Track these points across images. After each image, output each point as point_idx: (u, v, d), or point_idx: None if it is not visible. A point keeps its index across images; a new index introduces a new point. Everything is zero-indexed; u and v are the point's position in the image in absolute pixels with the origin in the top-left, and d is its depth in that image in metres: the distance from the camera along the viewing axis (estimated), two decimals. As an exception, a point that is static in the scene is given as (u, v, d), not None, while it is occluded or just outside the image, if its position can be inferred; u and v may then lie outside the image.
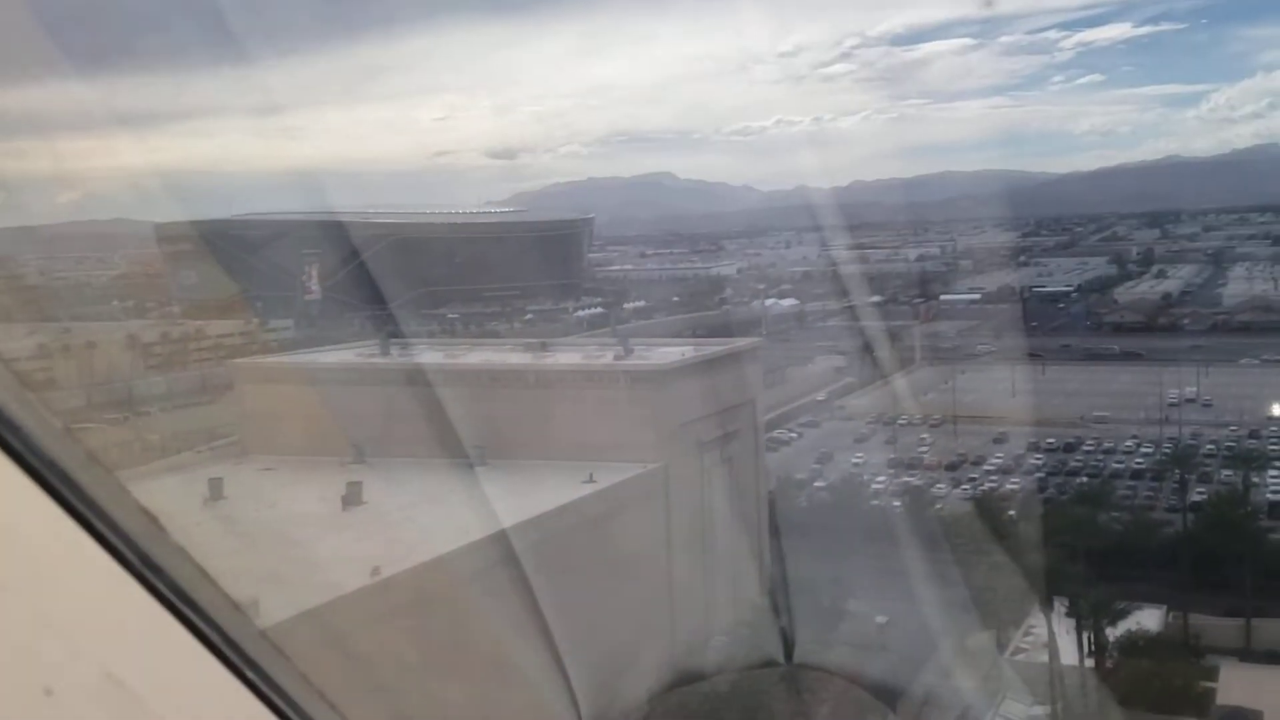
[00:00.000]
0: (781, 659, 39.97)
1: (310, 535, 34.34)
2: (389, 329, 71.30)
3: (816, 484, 74.40)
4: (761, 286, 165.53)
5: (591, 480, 40.76)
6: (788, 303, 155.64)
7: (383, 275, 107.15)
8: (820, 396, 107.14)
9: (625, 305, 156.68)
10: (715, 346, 55.47)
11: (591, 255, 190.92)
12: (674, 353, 51.46)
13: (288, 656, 2.77)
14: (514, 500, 37.45)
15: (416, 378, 49.47)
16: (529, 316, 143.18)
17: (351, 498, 38.89)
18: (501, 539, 35.35)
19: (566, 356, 54.29)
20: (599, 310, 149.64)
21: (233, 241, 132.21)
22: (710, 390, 48.80)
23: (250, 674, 2.64)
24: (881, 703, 39.03)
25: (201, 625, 2.57)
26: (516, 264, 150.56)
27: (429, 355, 56.86)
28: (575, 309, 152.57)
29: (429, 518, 38.04)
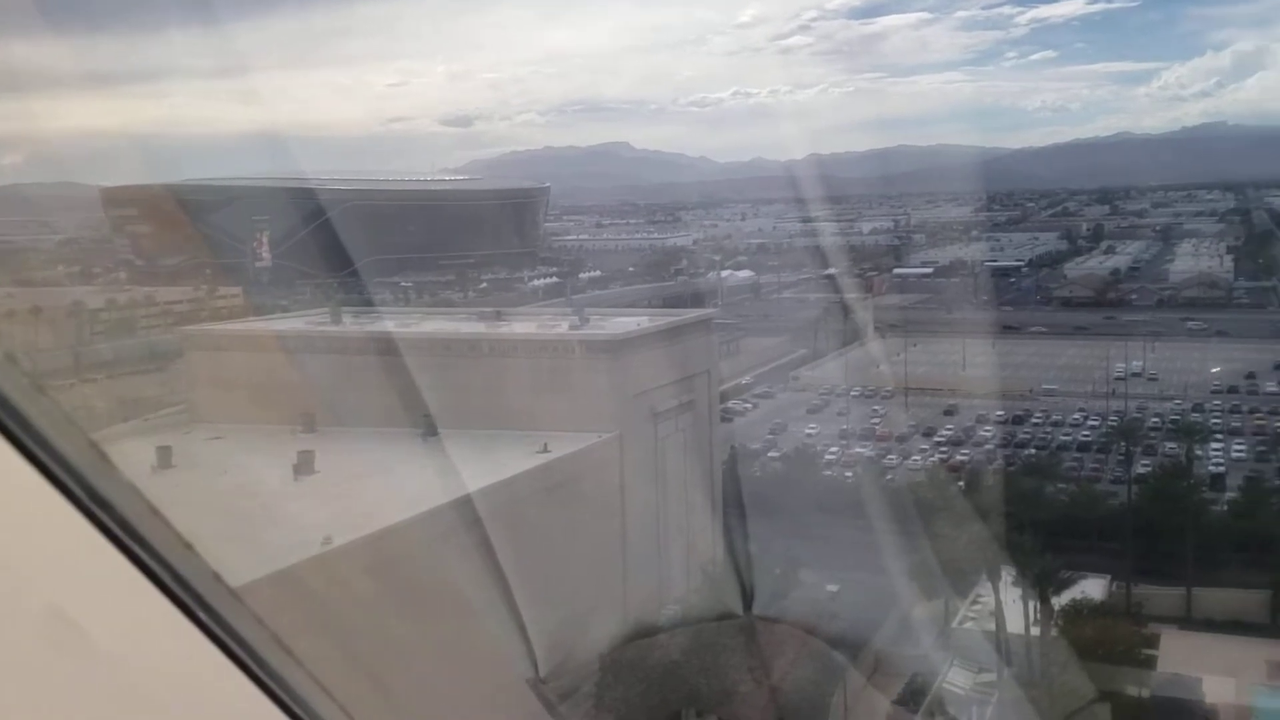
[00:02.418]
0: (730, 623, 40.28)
1: (260, 505, 33.98)
2: (341, 297, 70.62)
3: (770, 454, 74.86)
4: (718, 258, 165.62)
5: (546, 450, 40.70)
6: (744, 274, 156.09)
7: (335, 242, 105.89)
8: (774, 368, 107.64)
9: (581, 275, 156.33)
10: (671, 317, 55.41)
11: (547, 224, 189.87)
12: (629, 323, 51.42)
13: (239, 597, 2.72)
14: (467, 470, 37.29)
15: (369, 346, 49.06)
16: (484, 285, 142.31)
17: (303, 466, 38.53)
18: (455, 509, 35.24)
19: (521, 326, 54.05)
20: (554, 280, 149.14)
21: (183, 206, 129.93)
22: (665, 361, 48.83)
23: (201, 614, 2.59)
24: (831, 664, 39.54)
25: (152, 564, 2.51)
26: (471, 232, 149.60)
27: (382, 324, 56.31)
28: (530, 278, 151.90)
29: (381, 487, 37.81)
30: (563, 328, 50.96)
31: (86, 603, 2.40)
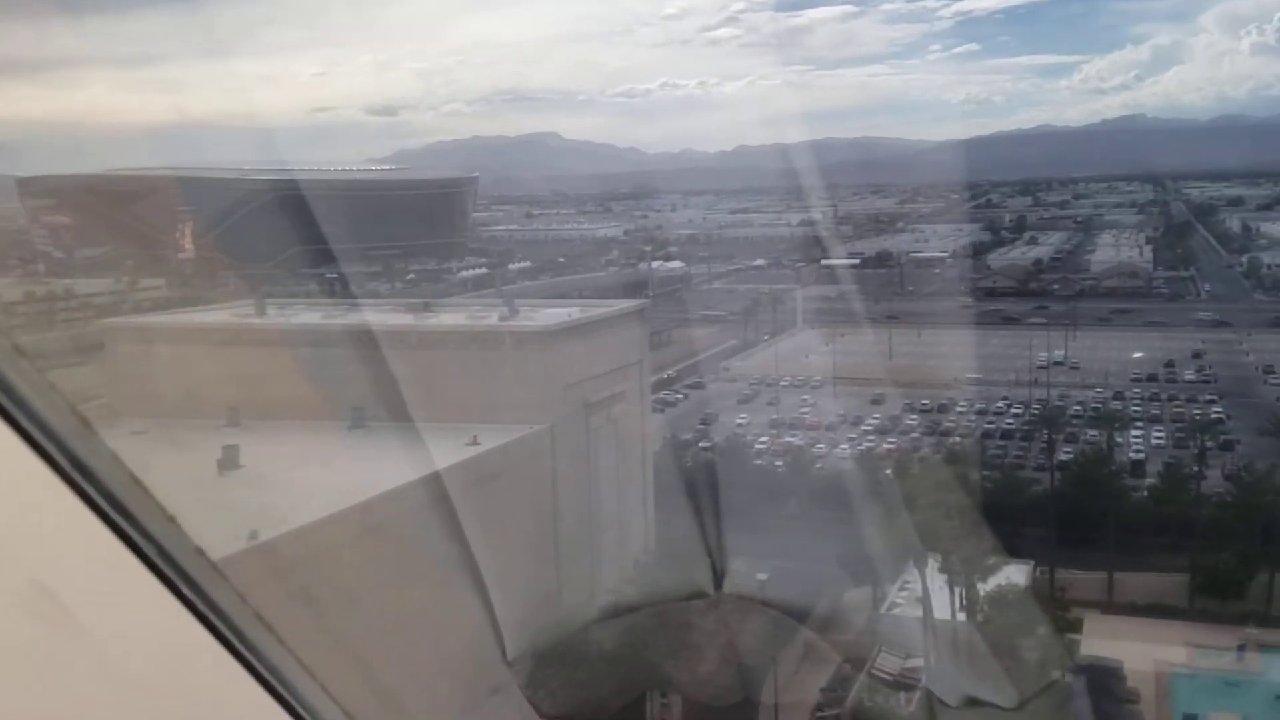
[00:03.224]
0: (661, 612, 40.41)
1: (183, 501, 33.06)
2: (265, 289, 69.35)
3: (701, 445, 75.10)
4: (648, 248, 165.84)
5: (475, 442, 40.33)
6: (674, 265, 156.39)
7: (259, 234, 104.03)
8: (705, 358, 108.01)
9: (510, 266, 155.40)
10: (601, 308, 55.28)
11: (476, 215, 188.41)
12: (560, 314, 51.16)
13: (221, 571, 2.69)
14: (396, 463, 36.83)
15: (295, 339, 48.25)
16: (411, 277, 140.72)
17: (228, 461, 37.74)
18: (384, 502, 34.80)
19: (450, 317, 53.50)
20: (483, 271, 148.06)
21: (102, 197, 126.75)
22: (596, 352, 48.69)
23: (183, 587, 2.56)
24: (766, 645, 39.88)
25: (134, 535, 2.48)
26: (398, 223, 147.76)
27: (307, 316, 55.39)
28: (459, 269, 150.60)
29: (309, 481, 37.14)
30: (492, 319, 50.53)
31: (67, 572, 2.39)
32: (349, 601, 29.72)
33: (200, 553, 2.66)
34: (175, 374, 44.66)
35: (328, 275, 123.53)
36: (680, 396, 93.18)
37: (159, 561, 2.53)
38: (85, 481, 2.39)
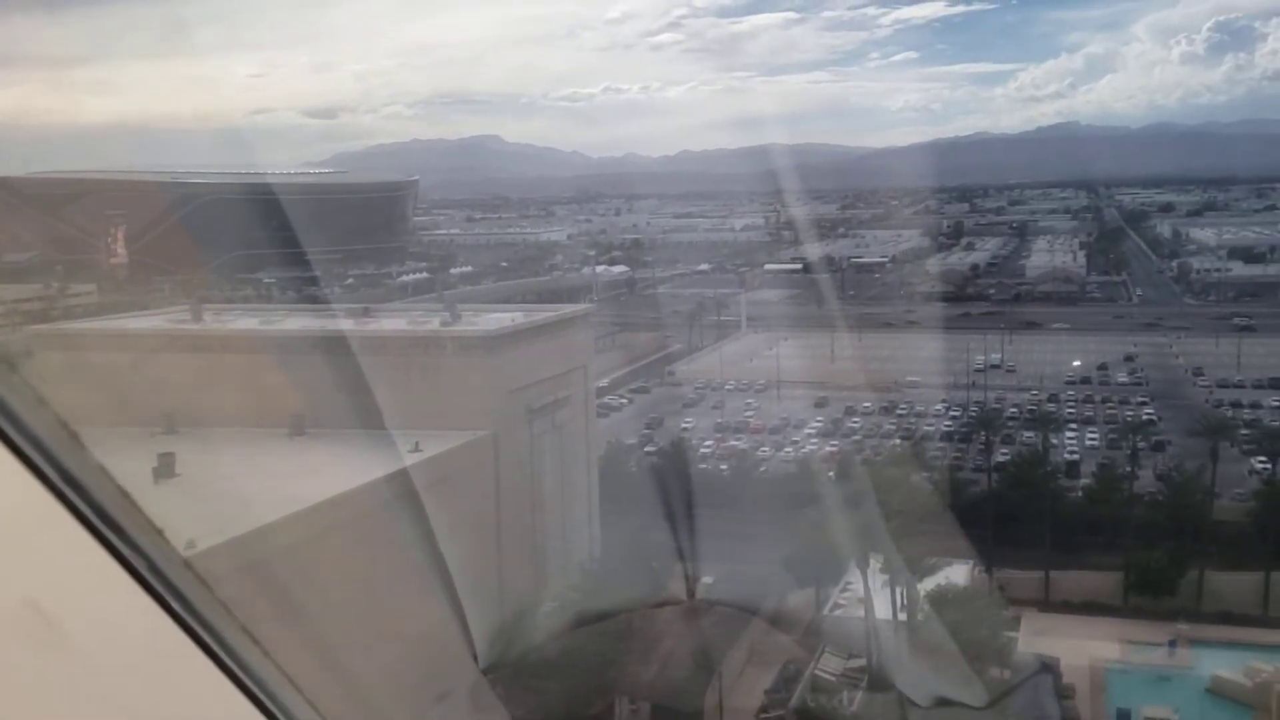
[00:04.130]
0: (608, 615, 40.37)
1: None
2: (201, 294, 68.24)
3: (646, 449, 75.19)
4: (592, 253, 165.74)
5: (418, 449, 39.98)
6: (618, 269, 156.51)
7: (194, 238, 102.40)
8: (650, 362, 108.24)
9: (452, 270, 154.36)
10: (545, 313, 55.18)
11: (416, 219, 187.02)
12: (503, 319, 50.93)
13: (209, 585, 2.72)
14: (336, 471, 36.44)
15: (232, 344, 47.53)
16: (350, 281, 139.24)
17: (163, 470, 36.99)
18: (325, 509, 34.39)
19: (390, 322, 53.01)
20: (424, 275, 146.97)
21: (30, 201, 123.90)
22: (540, 357, 48.55)
23: (171, 600, 2.58)
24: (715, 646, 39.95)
25: (121, 547, 2.50)
26: (337, 227, 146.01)
27: (245, 321, 54.60)
28: (399, 274, 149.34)
29: (248, 488, 36.55)
30: (434, 324, 50.15)
31: (55, 584, 2.40)
32: (289, 612, 29.33)
33: (187, 565, 2.68)
34: (108, 381, 43.70)
35: (265, 280, 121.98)
36: (625, 401, 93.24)
37: (146, 574, 2.55)
38: (73, 493, 2.40)
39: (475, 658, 35.19)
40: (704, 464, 73.20)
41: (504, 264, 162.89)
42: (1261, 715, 41.33)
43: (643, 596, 43.43)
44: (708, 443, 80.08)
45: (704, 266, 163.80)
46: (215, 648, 2.67)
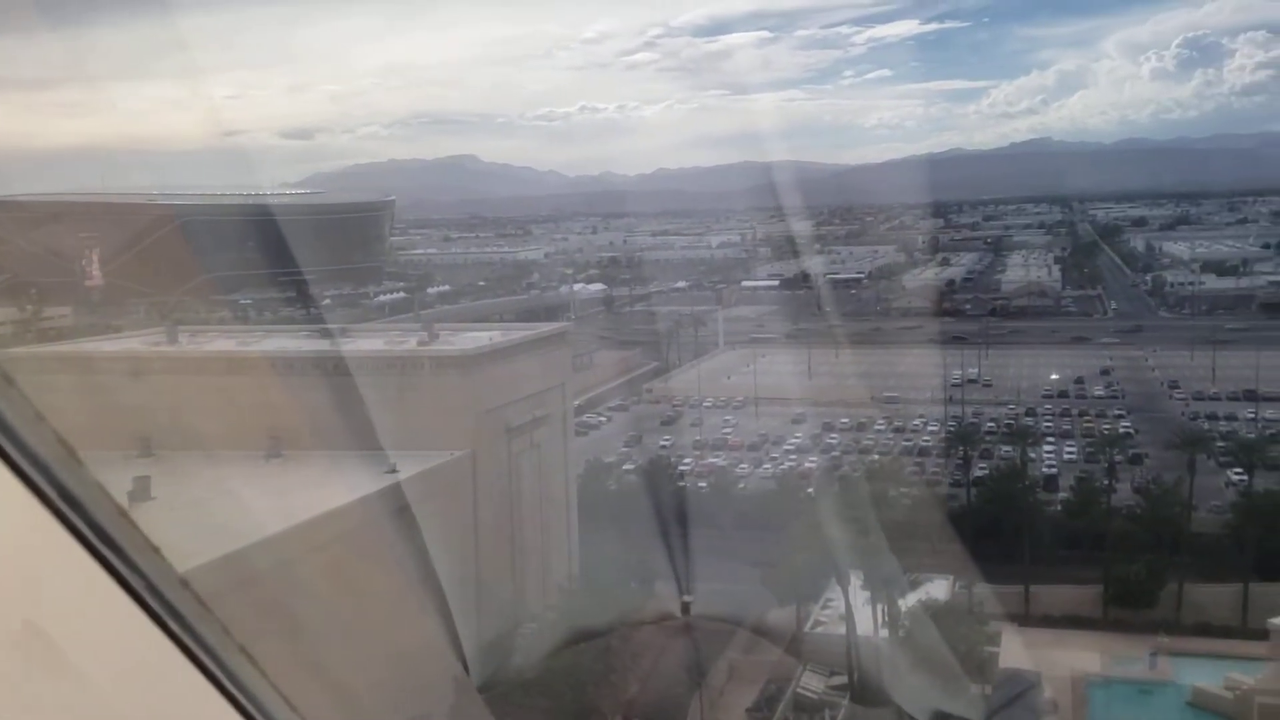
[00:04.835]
0: (588, 637, 40.15)
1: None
2: (177, 316, 67.78)
3: (625, 467, 75.03)
4: (569, 271, 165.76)
5: (395, 470, 39.69)
6: (595, 287, 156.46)
7: (170, 260, 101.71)
8: (628, 380, 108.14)
9: (429, 290, 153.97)
10: (522, 331, 54.98)
11: (393, 238, 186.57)
12: (480, 338, 50.74)
13: (207, 605, 2.71)
14: (313, 493, 36.12)
15: (208, 366, 47.15)
16: (327, 302, 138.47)
17: (138, 493, 36.55)
18: (302, 532, 34.07)
19: (367, 343, 52.73)
20: (401, 295, 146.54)
21: (5, 223, 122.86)
22: (518, 376, 48.37)
23: (168, 619, 2.58)
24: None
25: (119, 566, 2.49)
26: (314, 248, 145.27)
27: (221, 343, 54.18)
28: (376, 294, 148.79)
29: (224, 512, 36.16)
30: (411, 344, 49.91)
31: (54, 603, 2.41)
32: (267, 636, 28.98)
33: (184, 584, 2.67)
34: (83, 405, 43.17)
35: (242, 301, 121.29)
36: (604, 419, 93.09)
37: (143, 593, 2.54)
38: (71, 512, 2.41)
39: (456, 681, 34.91)
40: (683, 481, 73.12)
41: (481, 283, 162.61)
42: (1242, 727, 41.45)
43: (623, 616, 43.22)
44: (686, 460, 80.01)
45: (681, 284, 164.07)
46: (212, 667, 2.66)
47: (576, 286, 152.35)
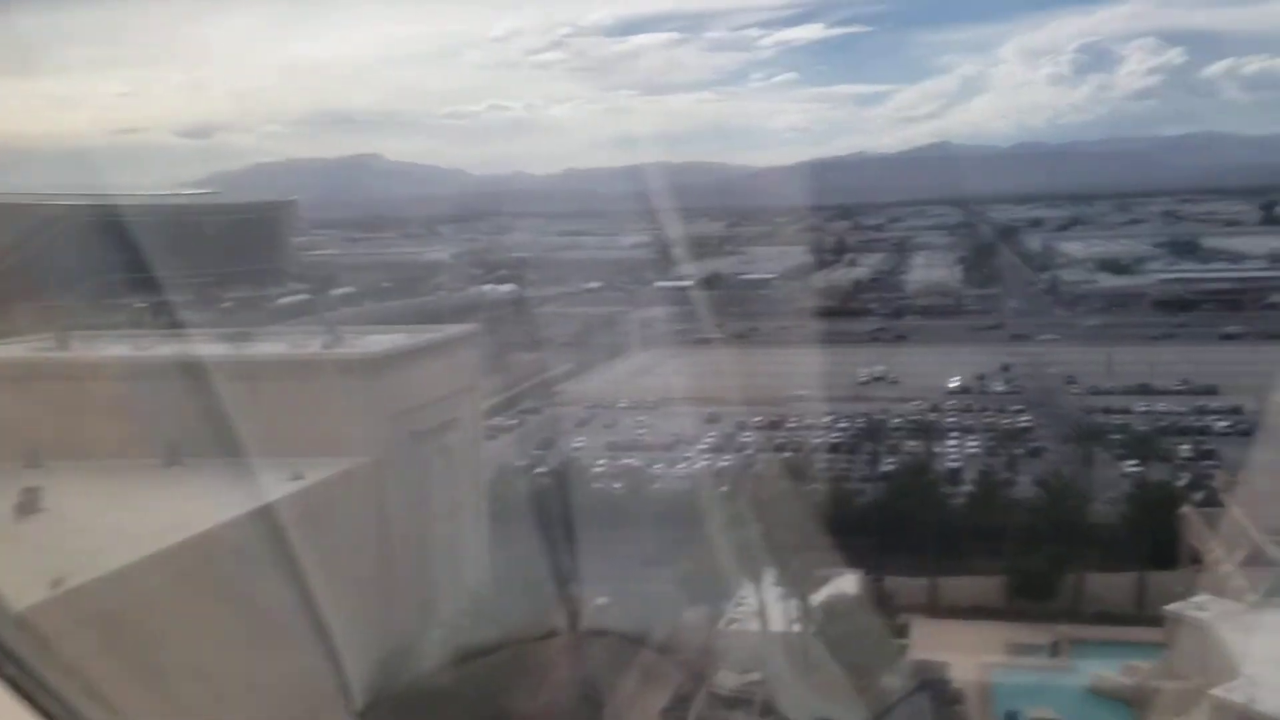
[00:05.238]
0: (499, 645, 39.64)
1: (-27, 550, 30.67)
2: (68, 320, 65.37)
3: (538, 470, 74.51)
4: (478, 272, 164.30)
5: (298, 477, 38.75)
6: (505, 288, 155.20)
7: (60, 262, 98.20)
8: (540, 382, 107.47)
9: (333, 292, 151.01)
10: (430, 334, 54.04)
11: (296, 239, 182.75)
12: (386, 340, 49.76)
13: (45, 644, 2.26)
14: (213, 501, 35.05)
15: (101, 372, 45.55)
16: (227, 305, 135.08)
17: (27, 505, 35.13)
18: (201, 542, 33.04)
19: (270, 346, 51.36)
20: (305, 297, 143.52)
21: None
22: (426, 379, 47.62)
23: (7, 666, 2.15)
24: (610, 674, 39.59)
25: None
26: (212, 249, 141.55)
27: (115, 348, 52.32)
28: (278, 296, 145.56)
29: (119, 522, 34.94)
30: (315, 347, 48.77)
31: None
32: (162, 651, 28.01)
33: (21, 624, 2.35)
34: (-36, 415, 41.44)
35: (138, 305, 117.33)
36: (515, 422, 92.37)
37: None
38: None
39: (355, 697, 34.12)
40: (597, 483, 72.90)
41: (387, 284, 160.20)
42: (1140, 713, 42.61)
43: (536, 624, 42.81)
44: (600, 461, 79.81)
45: (593, 284, 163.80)
46: (57, 712, 2.35)
47: (486, 288, 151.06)
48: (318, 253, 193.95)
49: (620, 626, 45.79)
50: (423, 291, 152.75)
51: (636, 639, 45.04)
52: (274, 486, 37.44)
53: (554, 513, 52.41)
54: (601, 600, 48.84)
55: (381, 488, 42.72)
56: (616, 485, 72.68)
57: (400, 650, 39.74)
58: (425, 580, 45.07)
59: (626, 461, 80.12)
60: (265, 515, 35.85)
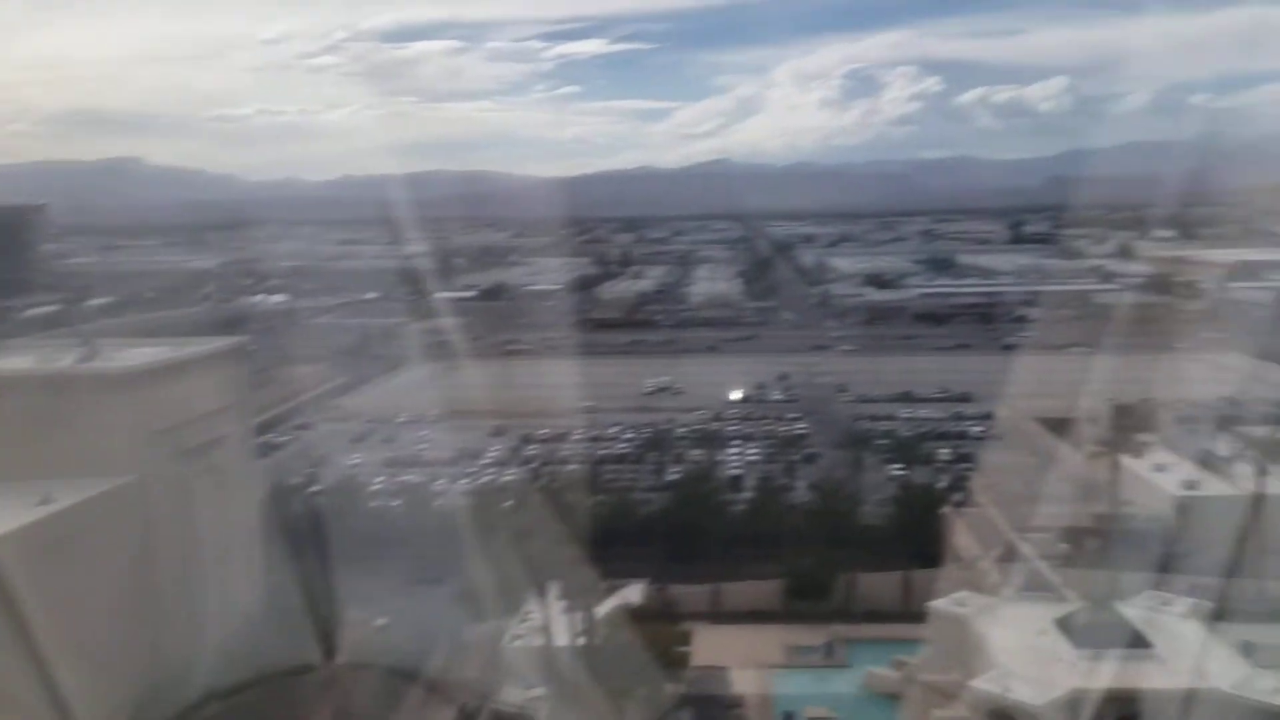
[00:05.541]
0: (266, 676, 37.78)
1: None
2: None
3: (312, 488, 71.63)
4: (248, 282, 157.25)
5: (48, 501, 35.73)
6: (277, 299, 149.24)
7: None
8: (314, 396, 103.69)
9: (90, 302, 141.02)
10: (195, 346, 50.99)
11: (46, 247, 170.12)
12: (147, 354, 46.61)
13: None
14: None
15: None
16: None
17: None
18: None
19: (15, 361, 47.21)
20: (56, 308, 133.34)
21: None
22: (190, 394, 44.91)
23: None
24: (389, 701, 38.28)
25: None
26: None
27: None
28: (26, 307, 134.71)
29: None
30: (67, 361, 45.15)
31: None
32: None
33: None
34: None
35: None
36: (289, 438, 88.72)
37: None
38: None
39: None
40: (375, 501, 70.79)
41: (150, 295, 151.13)
42: (909, 706, 44.57)
43: (306, 651, 40.94)
44: (378, 478, 77.57)
45: (372, 295, 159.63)
46: None
47: (257, 298, 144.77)
48: (72, 260, 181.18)
49: (399, 648, 44.42)
50: (188, 302, 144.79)
51: (417, 660, 43.80)
52: (19, 511, 34.42)
53: (329, 533, 50.44)
54: (381, 621, 47.31)
55: (144, 510, 39.97)
56: (395, 503, 70.73)
57: (163, 683, 37.20)
58: (192, 607, 42.39)
59: (407, 478, 78.19)
60: (11, 541, 32.86)
